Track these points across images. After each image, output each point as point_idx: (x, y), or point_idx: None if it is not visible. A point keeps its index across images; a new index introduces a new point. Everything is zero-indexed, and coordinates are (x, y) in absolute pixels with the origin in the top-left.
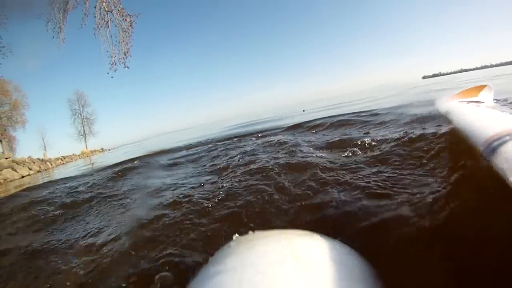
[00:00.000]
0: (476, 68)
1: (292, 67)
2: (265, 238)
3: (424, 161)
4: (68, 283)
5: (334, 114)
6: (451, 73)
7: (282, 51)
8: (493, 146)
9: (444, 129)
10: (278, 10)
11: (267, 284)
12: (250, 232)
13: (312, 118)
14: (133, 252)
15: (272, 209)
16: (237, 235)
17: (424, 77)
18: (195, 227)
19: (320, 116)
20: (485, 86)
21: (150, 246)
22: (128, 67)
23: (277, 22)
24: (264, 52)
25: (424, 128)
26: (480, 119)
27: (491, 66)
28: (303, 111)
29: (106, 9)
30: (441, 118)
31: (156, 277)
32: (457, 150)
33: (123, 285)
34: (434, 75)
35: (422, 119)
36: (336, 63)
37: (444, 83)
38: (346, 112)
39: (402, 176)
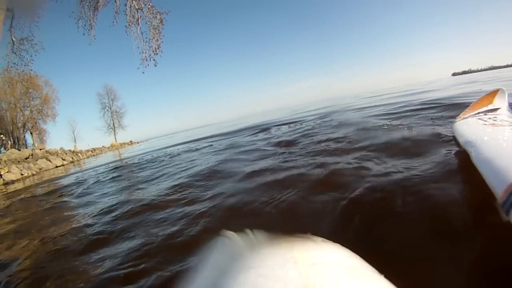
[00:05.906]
0: (507, 66)
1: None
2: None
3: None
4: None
5: None
6: (481, 70)
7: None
8: None
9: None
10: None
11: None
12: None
13: None
14: None
15: None
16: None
17: (454, 74)
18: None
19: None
20: (498, 90)
21: None
22: (155, 65)
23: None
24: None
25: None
26: (500, 156)
27: None
28: None
29: (136, 7)
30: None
31: None
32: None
33: None
34: (464, 72)
35: None
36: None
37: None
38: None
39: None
